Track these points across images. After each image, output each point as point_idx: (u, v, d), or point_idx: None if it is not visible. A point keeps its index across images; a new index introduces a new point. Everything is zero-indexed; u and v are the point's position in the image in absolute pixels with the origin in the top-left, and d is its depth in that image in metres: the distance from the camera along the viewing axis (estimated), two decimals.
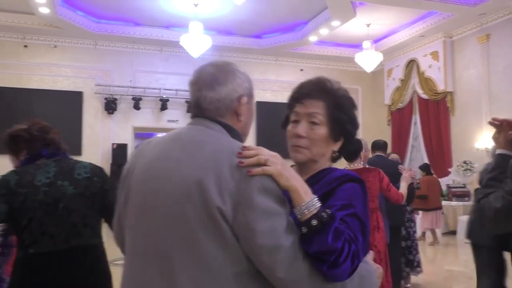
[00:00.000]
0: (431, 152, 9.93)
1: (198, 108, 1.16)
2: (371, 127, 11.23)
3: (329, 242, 0.97)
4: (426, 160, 9.77)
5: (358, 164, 3.47)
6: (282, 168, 1.02)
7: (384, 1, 7.81)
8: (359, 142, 3.49)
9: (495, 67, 8.51)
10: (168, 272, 1.03)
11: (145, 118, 10.36)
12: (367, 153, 3.82)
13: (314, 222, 0.98)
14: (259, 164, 1.01)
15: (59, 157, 2.03)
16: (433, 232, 7.92)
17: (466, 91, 9.17)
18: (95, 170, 2.06)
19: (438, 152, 9.72)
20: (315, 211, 1.00)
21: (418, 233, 7.07)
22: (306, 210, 1.00)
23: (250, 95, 1.20)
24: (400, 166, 3.97)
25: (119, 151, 9.78)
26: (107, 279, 2.02)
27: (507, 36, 8.13)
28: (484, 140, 8.56)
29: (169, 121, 10.49)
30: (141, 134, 10.85)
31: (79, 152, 9.53)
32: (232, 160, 1.02)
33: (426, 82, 9.96)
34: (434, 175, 8.26)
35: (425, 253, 6.92)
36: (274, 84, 10.70)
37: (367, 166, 3.64)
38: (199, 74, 1.20)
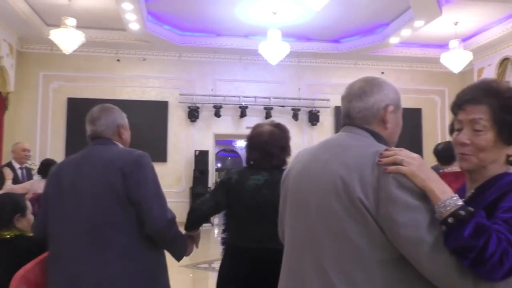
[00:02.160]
0: None
1: (348, 117, 1.31)
2: None
3: (465, 237, 1.00)
4: None
5: (456, 168, 3.24)
6: (418, 169, 1.09)
7: None
8: (451, 145, 3.30)
9: None
10: (318, 259, 1.16)
11: (225, 125, 10.66)
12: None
13: (450, 219, 1.03)
14: (395, 163, 1.10)
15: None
16: None
17: None
18: None
19: None
20: (453, 209, 1.03)
21: None
22: (443, 209, 1.05)
23: (396, 105, 1.30)
24: None
25: (201, 157, 10.17)
26: None
27: None
28: None
29: (247, 127, 10.64)
30: (222, 141, 11.18)
31: (164, 159, 10.07)
32: (374, 159, 1.13)
33: None
34: None
35: None
36: (350, 83, 10.43)
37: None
38: (349, 88, 1.35)
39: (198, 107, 10.33)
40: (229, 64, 10.73)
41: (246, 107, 10.41)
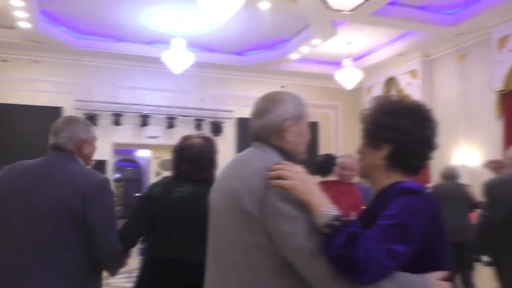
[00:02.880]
0: None
1: (253, 134, 1.42)
2: (351, 143, 11.33)
3: (337, 246, 1.07)
4: None
5: (332, 178, 3.49)
6: (299, 183, 1.17)
7: (364, 20, 7.98)
8: (331, 157, 3.57)
9: (472, 86, 8.73)
10: (223, 272, 1.27)
11: (126, 134, 10.26)
12: (344, 171, 3.63)
13: (326, 229, 1.11)
14: (280, 178, 1.19)
15: None
16: None
17: (444, 109, 9.37)
18: None
19: None
20: (328, 220, 1.11)
21: None
22: (320, 220, 1.13)
23: (297, 117, 1.39)
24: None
25: (98, 167, 9.63)
26: None
27: (483, 57, 8.37)
28: (460, 157, 8.73)
29: (149, 137, 10.42)
30: (121, 151, 10.74)
31: None
32: (264, 173, 1.23)
33: (405, 99, 10.13)
34: None
35: None
36: (255, 100, 10.73)
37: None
38: (254, 106, 1.47)
39: (96, 115, 9.80)
40: (131, 71, 10.38)
41: (148, 116, 10.14)
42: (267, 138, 1.38)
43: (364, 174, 1.39)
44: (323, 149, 11.49)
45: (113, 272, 2.00)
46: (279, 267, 1.18)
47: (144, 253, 2.28)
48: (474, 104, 8.65)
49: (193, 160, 2.20)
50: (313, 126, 11.46)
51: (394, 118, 1.31)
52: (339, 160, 3.63)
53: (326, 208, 1.14)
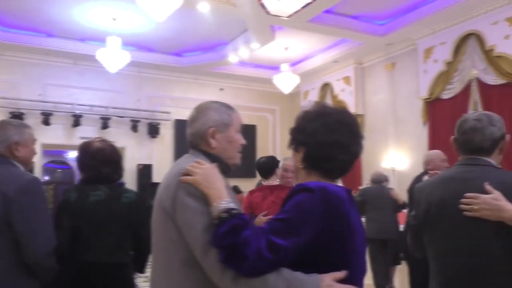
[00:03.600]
0: None
1: (188, 141, 1.53)
2: None
3: (220, 235, 1.14)
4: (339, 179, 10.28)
5: (274, 182, 3.48)
6: (202, 178, 1.27)
7: (301, 27, 8.19)
8: (274, 159, 3.57)
9: (400, 93, 9.24)
10: (154, 268, 1.40)
11: (56, 134, 9.75)
12: (287, 173, 3.59)
13: (215, 221, 1.20)
14: (189, 174, 1.30)
15: None
16: None
17: (375, 115, 9.84)
18: None
19: (351, 171, 10.22)
20: (219, 213, 1.20)
21: None
22: (215, 212, 1.21)
23: (223, 125, 1.49)
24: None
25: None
26: None
27: (409, 65, 8.90)
28: (389, 160, 9.21)
29: (81, 138, 9.94)
30: (51, 152, 10.19)
31: None
32: (179, 172, 1.34)
33: (339, 104, 10.52)
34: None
35: None
36: (194, 102, 10.27)
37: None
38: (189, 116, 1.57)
39: (22, 113, 9.22)
40: (62, 68, 9.89)
41: (81, 116, 9.71)
42: (197, 144, 1.49)
43: (295, 177, 1.46)
44: (261, 152, 11.62)
45: (43, 278, 1.91)
46: (189, 260, 1.25)
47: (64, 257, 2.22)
48: (402, 111, 9.16)
49: (93, 166, 2.22)
50: (251, 129, 11.55)
51: (307, 122, 1.37)
52: (281, 163, 3.64)
53: (222, 202, 1.21)
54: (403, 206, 5.73)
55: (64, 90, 9.83)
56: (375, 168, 9.58)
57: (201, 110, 1.54)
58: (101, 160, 2.23)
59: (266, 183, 3.47)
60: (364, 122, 10.05)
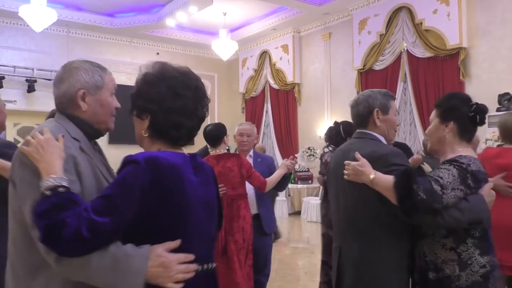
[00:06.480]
0: (280, 139, 10.65)
1: (55, 105, 1.37)
2: (227, 114, 11.56)
3: (37, 216, 1.09)
4: (276, 147, 10.49)
5: (222, 150, 3.37)
6: (34, 150, 1.18)
7: None
8: (222, 127, 3.40)
9: (335, 63, 9.47)
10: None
11: None
12: (242, 137, 3.52)
13: (39, 198, 1.13)
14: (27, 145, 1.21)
15: None
16: None
17: (311, 84, 10.03)
18: None
19: (287, 139, 10.47)
20: (43, 190, 1.12)
21: None
22: (42, 188, 1.13)
23: (93, 88, 1.35)
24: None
25: None
26: None
27: (345, 36, 9.10)
28: (325, 129, 9.48)
29: (5, 101, 9.26)
30: None
31: None
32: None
33: (277, 73, 10.60)
34: None
35: None
36: (128, 66, 10.10)
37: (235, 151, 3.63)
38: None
39: None
40: None
41: (3, 78, 9.00)
42: (64, 108, 1.35)
43: (140, 145, 1.35)
44: None
45: None
46: (28, 233, 1.18)
47: None
48: (337, 81, 9.41)
49: None
50: None
51: (150, 86, 1.28)
52: (236, 128, 3.55)
53: (50, 178, 1.13)
54: None
55: None
56: (310, 136, 9.86)
57: (69, 69, 1.35)
58: None
59: (213, 152, 3.32)
60: (300, 91, 10.23)
